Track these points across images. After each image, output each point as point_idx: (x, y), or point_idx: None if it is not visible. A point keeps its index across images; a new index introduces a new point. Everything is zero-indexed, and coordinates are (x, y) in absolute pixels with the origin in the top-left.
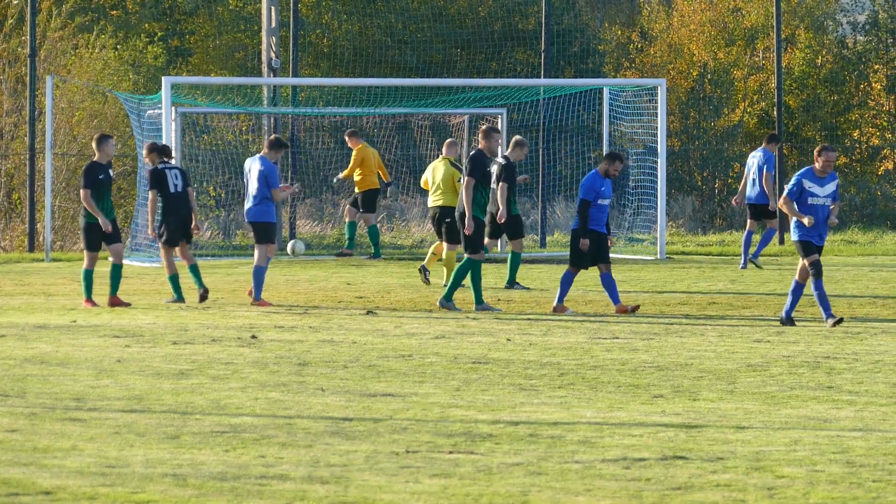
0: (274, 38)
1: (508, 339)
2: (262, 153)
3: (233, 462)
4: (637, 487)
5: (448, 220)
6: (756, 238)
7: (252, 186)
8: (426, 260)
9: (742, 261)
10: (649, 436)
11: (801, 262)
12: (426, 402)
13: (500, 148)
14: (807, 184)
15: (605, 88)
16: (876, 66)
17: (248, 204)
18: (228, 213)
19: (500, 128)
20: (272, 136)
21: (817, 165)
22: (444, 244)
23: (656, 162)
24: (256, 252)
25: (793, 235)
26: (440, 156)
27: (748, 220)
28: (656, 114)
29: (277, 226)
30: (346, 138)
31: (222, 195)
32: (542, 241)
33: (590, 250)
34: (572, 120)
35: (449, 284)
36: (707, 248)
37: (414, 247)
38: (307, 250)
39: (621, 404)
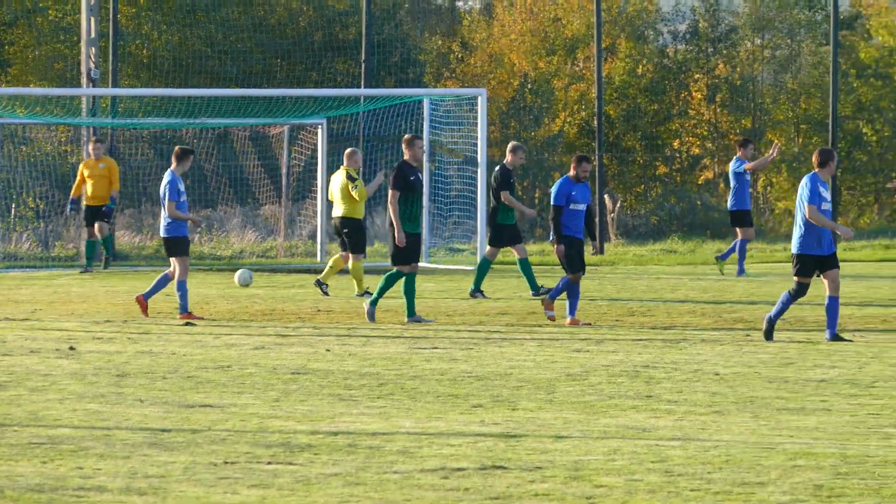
0: (93, 49)
1: (328, 350)
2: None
3: (50, 474)
4: (456, 497)
5: (346, 230)
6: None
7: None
8: (323, 274)
9: (738, 268)
10: (468, 445)
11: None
12: (245, 412)
13: (424, 155)
14: (821, 189)
15: (425, 99)
16: (696, 76)
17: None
18: (47, 224)
19: (319, 137)
20: (177, 148)
21: (822, 170)
22: (350, 254)
23: (476, 172)
24: (177, 266)
25: (796, 247)
26: (341, 166)
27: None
28: (476, 124)
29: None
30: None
31: (41, 206)
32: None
33: (576, 253)
34: (393, 130)
35: (405, 303)
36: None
37: (233, 257)
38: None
39: (440, 414)
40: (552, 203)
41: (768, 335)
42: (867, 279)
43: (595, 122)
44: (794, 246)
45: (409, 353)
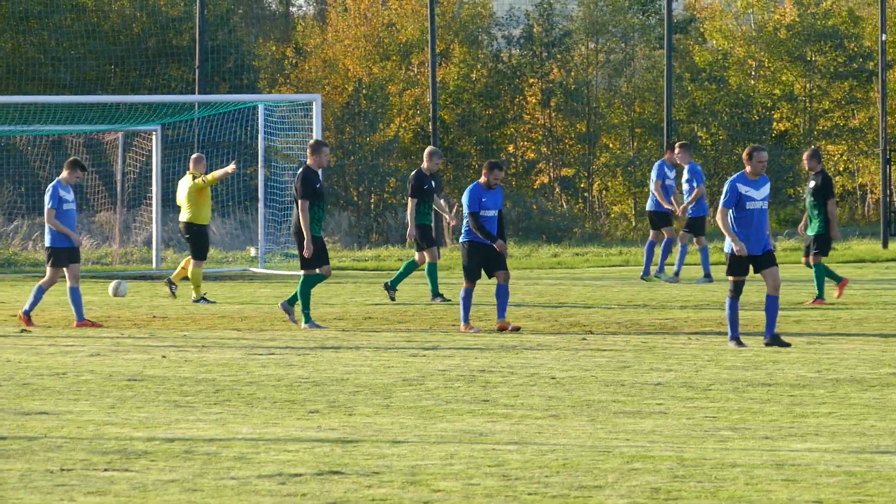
0: None
1: (164, 356)
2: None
3: None
4: (293, 503)
5: (188, 235)
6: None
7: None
8: (174, 274)
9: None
10: (305, 451)
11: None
12: (81, 419)
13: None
14: (742, 188)
15: (259, 105)
16: (531, 80)
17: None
18: None
19: (154, 144)
20: (70, 158)
21: (748, 168)
22: (191, 259)
23: None
24: (49, 276)
25: (726, 247)
26: (187, 171)
27: (684, 233)
28: (311, 129)
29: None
30: None
31: None
32: None
33: (479, 262)
34: (227, 136)
35: (301, 307)
36: (363, 264)
37: None
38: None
39: (277, 420)
40: (467, 211)
41: (777, 341)
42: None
43: (430, 126)
44: (725, 245)
45: (246, 359)
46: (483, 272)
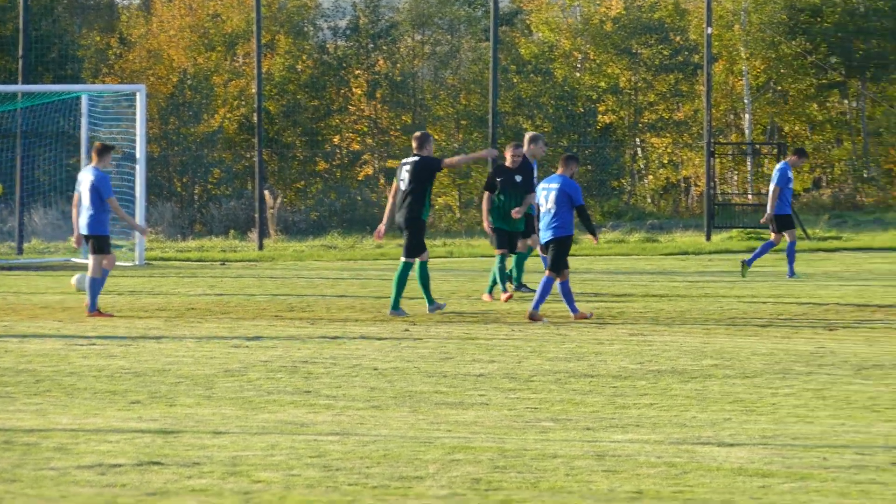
0: None
1: None
2: (92, 163)
3: None
4: (112, 493)
5: None
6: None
7: (85, 198)
8: None
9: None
10: (126, 442)
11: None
12: None
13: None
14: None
15: (83, 95)
16: (357, 72)
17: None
18: None
19: None
20: (97, 143)
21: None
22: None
23: (135, 168)
24: (92, 262)
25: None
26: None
27: None
28: (135, 119)
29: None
30: None
31: None
32: (18, 248)
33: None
34: (51, 126)
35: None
36: (186, 254)
37: None
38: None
39: (98, 410)
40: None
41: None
42: (527, 273)
43: (255, 117)
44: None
45: (67, 349)
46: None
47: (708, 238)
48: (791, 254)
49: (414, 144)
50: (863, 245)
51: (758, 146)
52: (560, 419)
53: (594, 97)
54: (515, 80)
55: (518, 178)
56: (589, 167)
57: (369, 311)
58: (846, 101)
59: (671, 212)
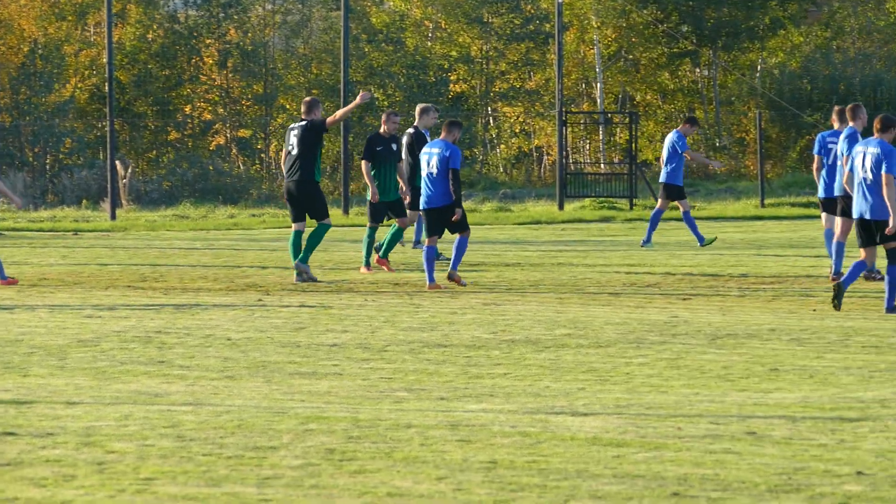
0: None
1: None
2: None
3: None
4: None
5: None
6: None
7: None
8: None
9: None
10: None
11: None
12: None
13: None
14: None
15: None
16: (208, 41)
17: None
18: None
19: None
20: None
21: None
22: None
23: None
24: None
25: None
26: None
27: None
28: None
29: None
30: None
31: None
32: None
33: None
34: None
35: None
36: (38, 224)
37: None
38: None
39: None
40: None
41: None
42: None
43: (106, 87)
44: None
45: None
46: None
47: (560, 207)
48: (655, 222)
49: (303, 109)
50: (715, 214)
51: (609, 115)
52: (414, 389)
53: (446, 66)
54: (367, 50)
55: (394, 147)
56: None
57: (222, 280)
58: (698, 70)
59: (524, 181)
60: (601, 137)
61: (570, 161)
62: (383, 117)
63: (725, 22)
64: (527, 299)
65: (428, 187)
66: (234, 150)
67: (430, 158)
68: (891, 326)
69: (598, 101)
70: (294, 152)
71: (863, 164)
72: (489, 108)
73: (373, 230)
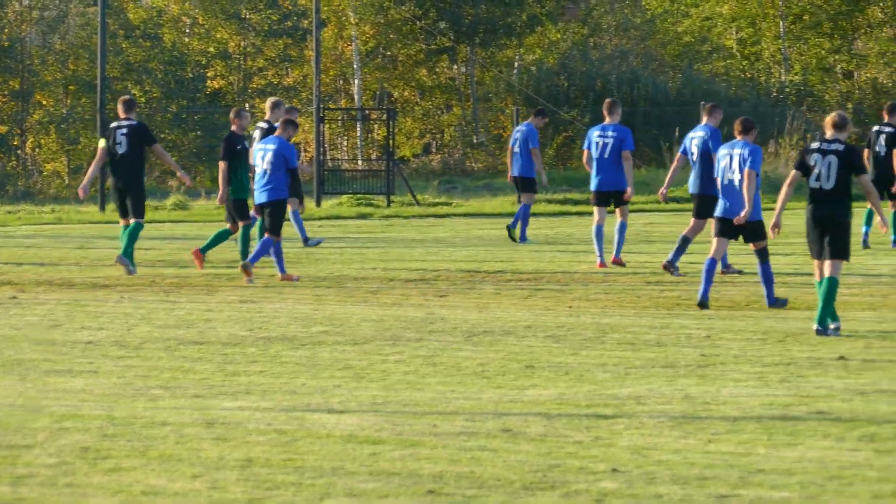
0: None
1: None
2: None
3: None
4: None
5: None
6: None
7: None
8: None
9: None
10: None
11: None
12: None
13: None
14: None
15: None
16: None
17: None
18: None
19: None
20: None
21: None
22: None
23: None
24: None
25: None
26: None
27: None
28: None
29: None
30: None
31: None
32: None
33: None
34: None
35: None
36: None
37: None
38: None
39: None
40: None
41: None
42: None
43: None
44: None
45: None
46: None
47: (318, 204)
48: (526, 217)
49: (120, 109)
50: (472, 211)
51: (367, 112)
52: (170, 387)
53: (203, 62)
54: (124, 46)
55: (246, 144)
56: (198, 133)
57: None
58: (455, 67)
59: None
60: (359, 134)
61: (328, 158)
62: (232, 115)
63: (483, 19)
64: (283, 296)
65: (263, 183)
66: None
67: (265, 154)
68: (646, 323)
69: (356, 97)
70: (122, 151)
71: (730, 166)
72: (247, 105)
73: (246, 228)
